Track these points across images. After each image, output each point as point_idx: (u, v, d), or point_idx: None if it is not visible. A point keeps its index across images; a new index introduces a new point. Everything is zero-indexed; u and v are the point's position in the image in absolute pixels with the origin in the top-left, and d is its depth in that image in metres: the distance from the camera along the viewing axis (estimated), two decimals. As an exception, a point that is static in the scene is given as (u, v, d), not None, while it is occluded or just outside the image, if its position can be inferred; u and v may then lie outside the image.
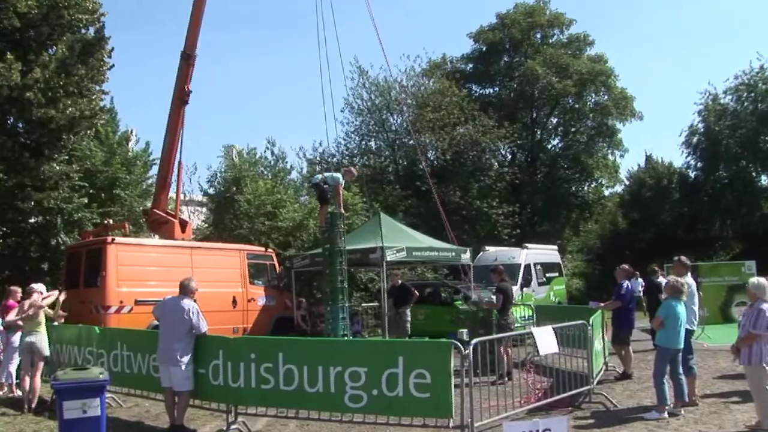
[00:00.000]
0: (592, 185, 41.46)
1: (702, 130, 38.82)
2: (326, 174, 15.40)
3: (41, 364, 10.53)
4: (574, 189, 40.69)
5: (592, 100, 40.03)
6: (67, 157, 18.81)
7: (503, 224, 32.19)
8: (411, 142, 33.65)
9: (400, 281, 16.32)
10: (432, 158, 33.63)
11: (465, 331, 14.32)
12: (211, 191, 25.90)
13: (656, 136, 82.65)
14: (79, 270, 15.17)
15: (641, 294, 19.87)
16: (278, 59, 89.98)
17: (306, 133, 73.66)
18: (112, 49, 17.24)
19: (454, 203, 30.34)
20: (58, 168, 17.88)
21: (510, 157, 40.11)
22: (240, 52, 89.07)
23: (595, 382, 10.25)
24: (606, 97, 39.55)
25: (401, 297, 15.90)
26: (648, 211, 40.53)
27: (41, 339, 10.53)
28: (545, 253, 24.88)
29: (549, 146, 41.59)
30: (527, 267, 22.37)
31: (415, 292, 16.33)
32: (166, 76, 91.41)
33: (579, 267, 44.17)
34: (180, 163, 18.19)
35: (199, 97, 71.15)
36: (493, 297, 13.47)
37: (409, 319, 15.82)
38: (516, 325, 15.94)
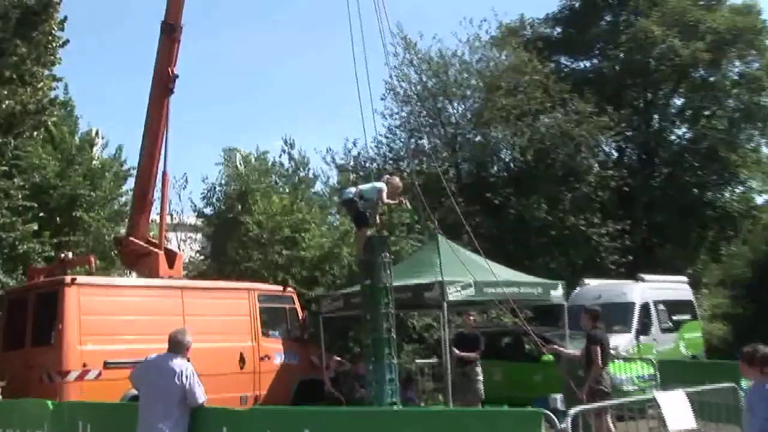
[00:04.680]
0: (738, 190, 40.69)
1: None
2: (362, 186, 15.45)
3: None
4: (710, 197, 39.95)
5: (736, 71, 39.32)
6: (6, 168, 18.82)
7: (608, 248, 31.80)
8: (478, 138, 33.58)
9: (472, 324, 16.31)
10: (507, 159, 33.49)
11: (559, 396, 14.21)
12: (207, 211, 26.16)
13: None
14: (24, 322, 15.19)
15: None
16: (291, 30, 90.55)
17: (334, 130, 73.83)
18: (65, 18, 17.28)
19: (539, 220, 30.12)
20: (-8, 183, 18.00)
21: (616, 155, 39.68)
22: (240, 21, 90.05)
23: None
24: (756, 65, 38.77)
25: (470, 350, 15.80)
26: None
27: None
28: (670, 287, 24.60)
29: (672, 138, 40.98)
30: (645, 307, 22.08)
31: (481, 340, 16.27)
32: (143, 57, 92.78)
33: (722, 306, 43.24)
34: (165, 174, 18.37)
35: (189, 85, 71.96)
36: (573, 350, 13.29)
37: (481, 378, 15.69)
38: (630, 387, 15.74)
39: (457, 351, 15.89)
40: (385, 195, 14.84)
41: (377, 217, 15.03)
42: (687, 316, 24.43)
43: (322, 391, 17.36)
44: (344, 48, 16.29)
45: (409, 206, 17.83)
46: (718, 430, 10.03)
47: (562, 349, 13.90)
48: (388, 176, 16.34)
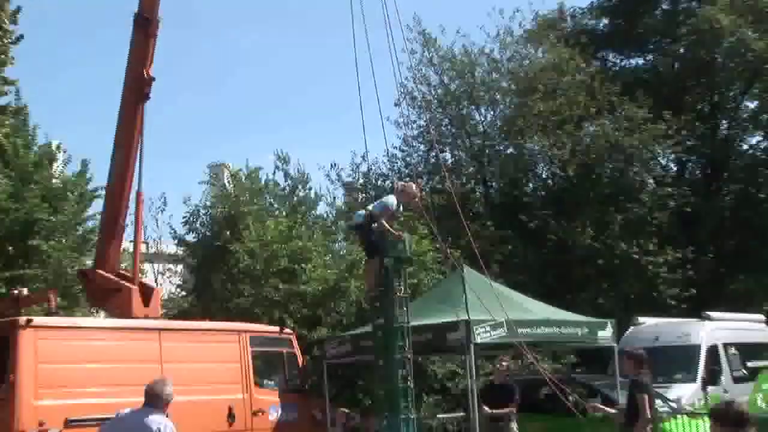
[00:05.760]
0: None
1: None
2: (371, 206, 15.46)
3: None
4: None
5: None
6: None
7: (667, 280, 31.72)
8: (510, 150, 33.52)
9: (505, 372, 16.31)
10: (545, 175, 33.47)
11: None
12: (190, 238, 26.21)
13: None
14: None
15: None
16: (287, 27, 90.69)
17: (339, 142, 73.71)
18: (18, 9, 17.33)
19: (584, 247, 30.11)
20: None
21: (676, 169, 39.63)
22: (231, 18, 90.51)
23: None
24: None
25: (503, 403, 15.80)
26: None
27: None
28: (744, 327, 24.54)
29: (744, 148, 40.87)
30: (712, 351, 22.04)
31: (516, 391, 16.30)
32: (112, 56, 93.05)
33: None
34: (139, 193, 18.43)
35: (167, 91, 72.07)
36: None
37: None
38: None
39: (487, 408, 15.87)
40: (393, 209, 14.84)
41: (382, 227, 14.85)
42: (765, 363, 24.29)
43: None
44: (350, 45, 16.17)
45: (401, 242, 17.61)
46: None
47: (605, 408, 13.84)
48: (402, 183, 16.29)
